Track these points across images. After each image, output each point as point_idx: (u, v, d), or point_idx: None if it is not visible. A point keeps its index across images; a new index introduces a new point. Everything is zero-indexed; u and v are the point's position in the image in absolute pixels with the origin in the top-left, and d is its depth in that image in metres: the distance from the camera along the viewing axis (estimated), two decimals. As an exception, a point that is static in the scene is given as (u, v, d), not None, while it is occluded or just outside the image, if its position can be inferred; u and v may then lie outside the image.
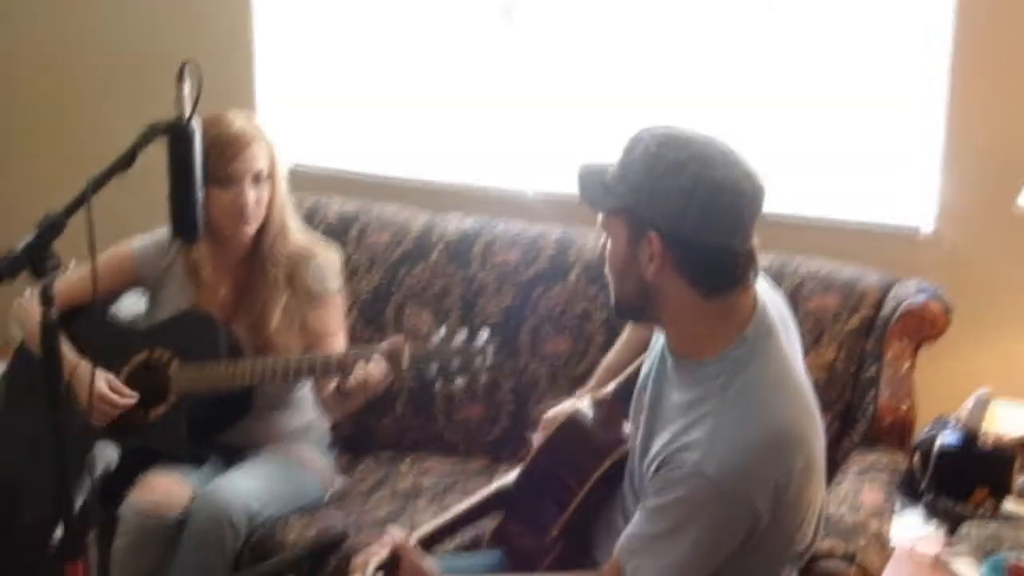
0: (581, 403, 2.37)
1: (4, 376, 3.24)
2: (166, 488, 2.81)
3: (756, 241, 1.98)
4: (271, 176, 2.95)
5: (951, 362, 3.07)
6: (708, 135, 1.97)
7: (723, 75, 3.37)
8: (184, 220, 2.27)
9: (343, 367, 2.75)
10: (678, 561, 1.93)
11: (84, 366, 2.83)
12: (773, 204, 3.18)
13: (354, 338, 3.32)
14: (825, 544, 2.30)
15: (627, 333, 2.58)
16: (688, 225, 1.90)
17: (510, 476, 2.42)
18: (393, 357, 2.69)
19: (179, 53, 3.84)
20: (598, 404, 2.37)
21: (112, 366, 2.97)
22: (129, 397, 2.89)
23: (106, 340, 3.00)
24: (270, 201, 2.96)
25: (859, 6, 3.21)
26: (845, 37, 3.22)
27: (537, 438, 2.41)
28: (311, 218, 3.54)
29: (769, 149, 3.30)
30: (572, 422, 2.34)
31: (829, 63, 3.24)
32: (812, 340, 2.90)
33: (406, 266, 3.42)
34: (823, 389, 2.86)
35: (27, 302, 2.90)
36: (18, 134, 4.72)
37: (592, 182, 2.03)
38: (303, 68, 4.04)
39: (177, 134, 2.25)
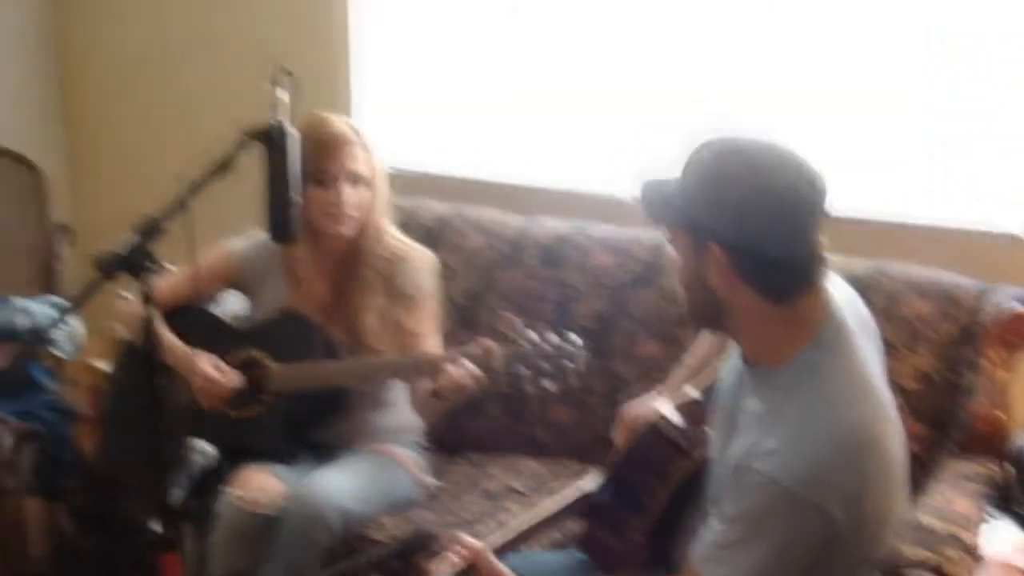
0: (663, 406, 2.38)
1: (111, 373, 3.35)
2: (261, 484, 2.88)
3: (824, 242, 1.96)
4: (369, 179, 3.00)
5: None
6: (767, 142, 1.96)
7: (823, 75, 3.33)
8: (280, 223, 2.35)
9: (435, 369, 2.79)
10: (753, 569, 1.93)
11: (192, 352, 2.95)
12: (869, 209, 3.22)
13: (449, 341, 3.36)
14: (912, 554, 2.29)
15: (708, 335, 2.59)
16: (748, 235, 1.90)
17: (593, 480, 2.43)
18: (485, 360, 2.73)
19: (276, 57, 3.96)
20: (681, 408, 2.37)
21: (212, 364, 3.05)
22: (236, 379, 2.96)
23: (206, 339, 3.07)
24: (368, 205, 3.01)
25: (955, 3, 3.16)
26: (937, 34, 3.17)
27: (617, 435, 2.43)
28: (408, 221, 3.58)
29: (866, 152, 3.28)
30: (655, 426, 2.34)
31: (926, 62, 3.19)
32: (907, 347, 2.88)
33: (500, 269, 3.46)
34: (918, 397, 2.85)
35: (130, 302, 2.99)
36: (121, 136, 4.86)
37: (654, 196, 2.04)
38: (399, 72, 4.08)
39: (273, 139, 2.31)
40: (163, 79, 4.68)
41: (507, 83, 3.88)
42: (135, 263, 2.13)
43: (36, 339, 3.57)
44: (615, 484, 2.38)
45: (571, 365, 2.69)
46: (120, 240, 2.15)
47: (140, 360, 2.21)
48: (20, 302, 3.68)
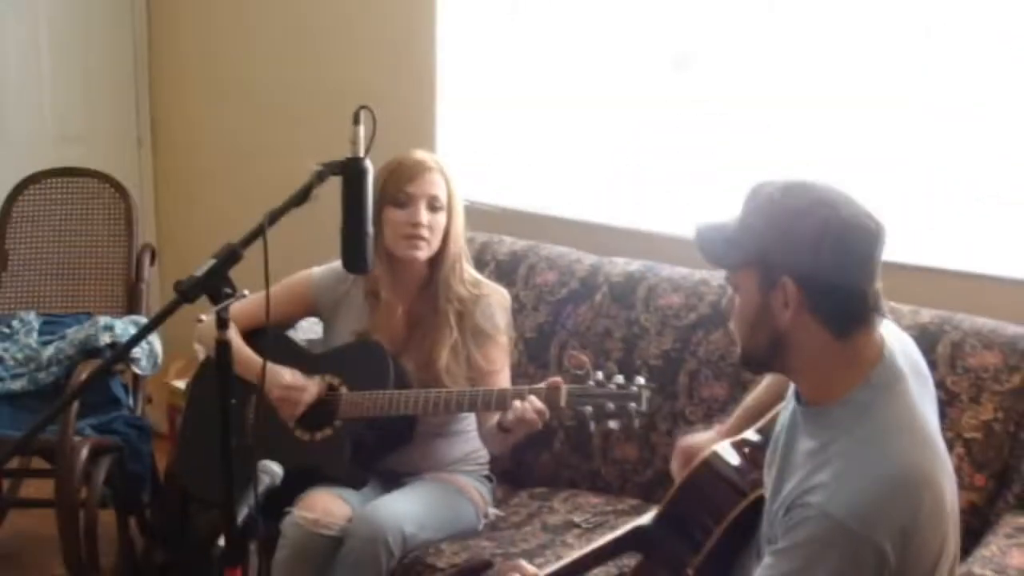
0: (721, 444, 2.41)
1: (189, 391, 3.45)
2: (326, 506, 2.95)
3: (881, 284, 2.01)
4: (448, 208, 3.10)
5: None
6: (824, 181, 2.02)
7: (898, 126, 3.37)
8: (355, 253, 2.41)
9: (502, 403, 2.86)
10: None
11: (271, 366, 3.06)
12: (939, 257, 3.23)
13: (519, 374, 3.44)
14: (968, 606, 2.30)
15: (770, 376, 2.61)
16: (821, 267, 1.95)
17: (648, 516, 2.47)
18: (551, 396, 2.80)
19: (364, 94, 4.08)
20: (738, 446, 2.41)
21: (286, 388, 3.14)
22: (312, 387, 3.06)
23: (284, 361, 3.15)
24: (445, 233, 3.11)
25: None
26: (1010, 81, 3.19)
27: (673, 465, 2.47)
28: (483, 254, 3.67)
29: (939, 203, 3.30)
30: (711, 463, 2.38)
31: (1006, 114, 3.20)
32: (970, 398, 2.88)
33: (571, 305, 3.51)
34: (980, 448, 2.86)
35: (208, 325, 3.09)
36: (207, 164, 5.01)
37: (713, 239, 2.08)
38: (482, 110, 4.19)
39: (351, 172, 2.39)
40: (250, 110, 4.83)
41: (586, 125, 3.96)
42: (213, 287, 2.21)
43: (116, 356, 3.69)
44: (669, 519, 2.41)
45: (635, 406, 2.74)
46: (201, 265, 2.23)
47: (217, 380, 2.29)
48: (105, 320, 3.79)
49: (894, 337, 2.11)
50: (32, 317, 3.94)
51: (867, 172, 3.32)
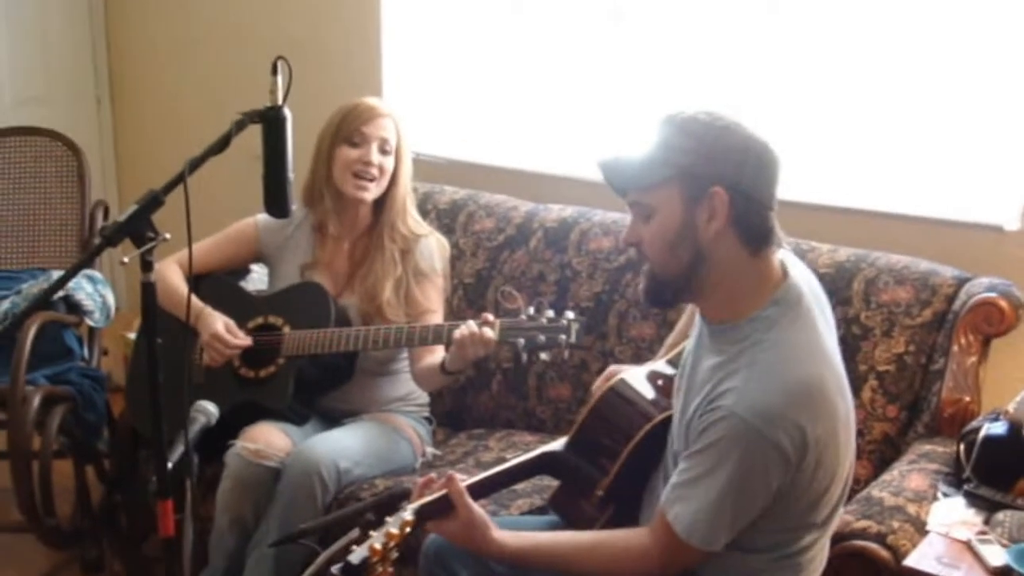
0: (629, 372, 2.52)
1: (136, 340, 3.55)
2: (268, 438, 3.06)
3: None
4: (397, 153, 3.24)
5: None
6: None
7: (812, 65, 3.45)
8: (276, 197, 2.50)
9: (439, 337, 2.97)
10: (712, 501, 2.08)
11: (208, 311, 3.17)
12: (858, 198, 3.33)
13: (457, 318, 3.53)
14: (859, 523, 2.41)
15: (687, 312, 2.71)
16: (746, 178, 2.08)
17: (560, 441, 2.57)
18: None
19: (316, 48, 4.15)
20: (649, 376, 2.52)
21: (230, 328, 3.25)
22: (242, 340, 3.16)
23: (227, 306, 3.26)
24: (393, 176, 3.24)
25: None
26: (933, 32, 3.26)
27: (597, 384, 2.57)
28: (424, 203, 3.77)
29: (855, 143, 3.39)
30: (616, 389, 2.49)
31: (919, 57, 3.28)
32: (883, 332, 2.99)
33: (507, 251, 3.61)
34: (892, 380, 2.96)
35: (162, 266, 3.20)
36: (159, 120, 5.10)
37: (627, 163, 2.16)
38: (424, 66, 4.28)
39: (270, 120, 2.47)
40: (207, 67, 4.91)
41: (523, 76, 4.05)
42: (135, 231, 2.30)
43: (69, 308, 3.78)
44: (579, 444, 2.52)
45: (564, 338, 2.83)
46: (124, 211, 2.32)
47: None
48: (58, 274, 3.85)
49: (794, 266, 2.23)
50: (-12, 273, 4.02)
51: (787, 116, 3.42)
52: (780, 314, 2.13)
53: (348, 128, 3.19)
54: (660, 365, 2.60)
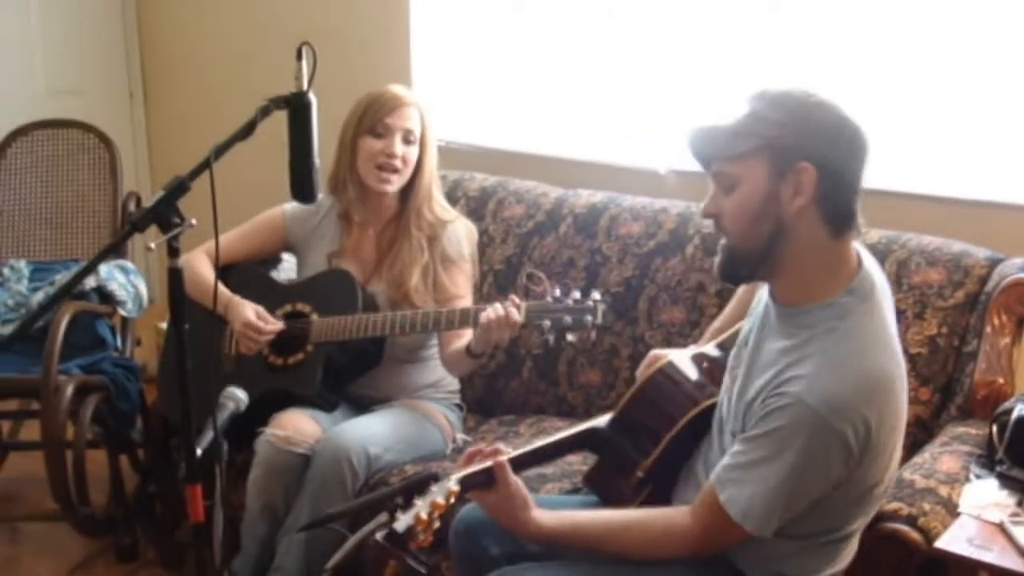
0: (678, 355, 2.51)
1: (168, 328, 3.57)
2: (297, 424, 3.07)
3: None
4: (421, 142, 3.22)
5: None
6: None
7: (842, 46, 3.42)
8: (301, 183, 2.51)
9: (466, 320, 2.98)
10: (772, 488, 2.06)
11: (237, 300, 3.18)
12: (890, 180, 3.30)
13: (486, 303, 3.53)
14: (890, 506, 2.38)
15: (737, 297, 2.69)
16: (837, 156, 2.05)
17: (604, 418, 2.56)
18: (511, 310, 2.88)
19: (346, 38, 4.15)
20: (696, 359, 2.51)
21: (260, 316, 3.26)
22: (274, 325, 3.17)
23: (256, 294, 3.28)
24: (418, 165, 3.23)
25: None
26: (966, 11, 3.23)
27: (639, 371, 2.55)
28: (454, 191, 3.77)
29: (891, 126, 3.35)
30: (664, 371, 2.48)
31: (951, 37, 3.25)
32: (915, 314, 2.96)
33: (537, 237, 3.60)
34: (925, 363, 2.93)
35: (191, 256, 3.22)
36: (193, 114, 5.12)
37: (714, 133, 2.12)
38: (452, 51, 4.28)
39: (295, 106, 2.47)
40: (232, 58, 4.93)
41: (552, 62, 4.05)
42: (162, 217, 2.31)
43: (102, 298, 3.81)
44: (622, 423, 2.50)
45: (591, 319, 2.82)
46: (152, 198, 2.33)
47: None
48: (91, 264, 3.89)
49: (867, 258, 2.21)
50: (23, 264, 4.04)
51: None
52: (855, 303, 2.10)
53: (372, 119, 3.19)
54: (708, 348, 2.58)
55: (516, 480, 2.28)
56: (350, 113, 3.25)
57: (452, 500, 2.23)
